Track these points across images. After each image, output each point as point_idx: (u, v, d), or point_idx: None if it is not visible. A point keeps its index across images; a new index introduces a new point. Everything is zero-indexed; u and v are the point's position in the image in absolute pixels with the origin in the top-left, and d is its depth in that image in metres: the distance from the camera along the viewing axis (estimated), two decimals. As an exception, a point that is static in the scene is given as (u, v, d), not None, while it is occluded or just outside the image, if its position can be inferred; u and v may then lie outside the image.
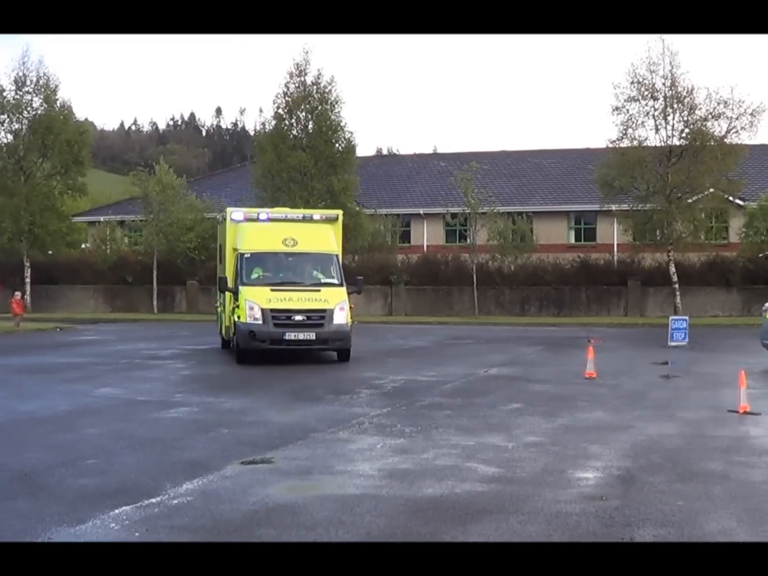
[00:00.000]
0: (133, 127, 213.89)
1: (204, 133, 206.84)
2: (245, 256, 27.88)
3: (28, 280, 56.48)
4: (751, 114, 45.88)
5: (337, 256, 28.84)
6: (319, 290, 27.15)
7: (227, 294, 28.37)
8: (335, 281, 28.02)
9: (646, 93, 47.52)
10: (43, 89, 57.18)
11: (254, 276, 27.63)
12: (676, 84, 47.30)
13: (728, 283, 48.99)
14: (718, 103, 46.51)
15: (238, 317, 26.36)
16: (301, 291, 26.86)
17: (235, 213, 29.94)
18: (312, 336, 26.23)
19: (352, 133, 55.21)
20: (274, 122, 55.36)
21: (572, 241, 62.95)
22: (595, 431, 15.73)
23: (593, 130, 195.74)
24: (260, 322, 25.82)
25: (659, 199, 46.45)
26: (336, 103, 54.36)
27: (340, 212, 31.35)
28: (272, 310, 25.92)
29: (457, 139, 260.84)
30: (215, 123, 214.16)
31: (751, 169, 53.17)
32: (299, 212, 31.87)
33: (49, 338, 38.67)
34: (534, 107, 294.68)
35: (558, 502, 11.09)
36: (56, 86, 57.64)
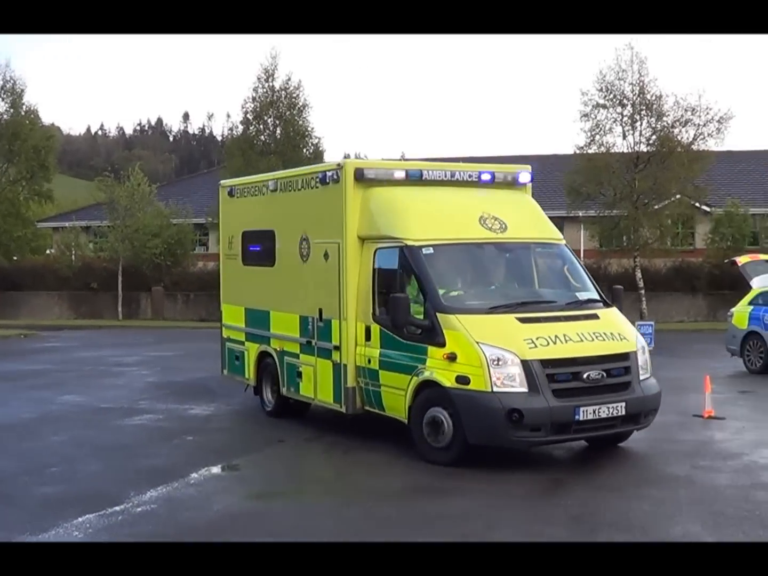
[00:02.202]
0: (100, 132, 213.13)
1: (171, 139, 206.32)
2: (423, 251, 14.53)
3: (-9, 286, 56.12)
4: (718, 121, 46.15)
5: (568, 246, 16.32)
6: (596, 315, 14.62)
7: (348, 325, 15.30)
8: (594, 295, 15.47)
9: (614, 100, 47.70)
10: (9, 93, 56.76)
11: (455, 292, 14.77)
12: (645, 91, 47.46)
13: (694, 288, 49.13)
14: (686, 110, 46.70)
15: (461, 380, 13.31)
16: (567, 320, 14.21)
17: (364, 170, 15.47)
18: (620, 409, 13.59)
19: (319, 138, 55.17)
20: (241, 127, 55.32)
21: (539, 247, 63.06)
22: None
23: (560, 135, 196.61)
24: (524, 388, 13.12)
25: (626, 206, 46.52)
26: (304, 108, 54.30)
27: (528, 169, 17.00)
28: (545, 363, 13.28)
29: (424, 145, 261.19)
30: (182, 128, 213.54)
31: (717, 175, 53.26)
32: (472, 168, 16.49)
33: (12, 345, 38.33)
34: (502, 113, 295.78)
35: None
36: (22, 90, 57.24)
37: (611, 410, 13.46)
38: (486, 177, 16.23)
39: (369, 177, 15.37)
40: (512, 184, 16.59)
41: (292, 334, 16.87)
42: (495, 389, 13.02)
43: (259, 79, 54.37)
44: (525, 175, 16.63)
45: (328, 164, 16.21)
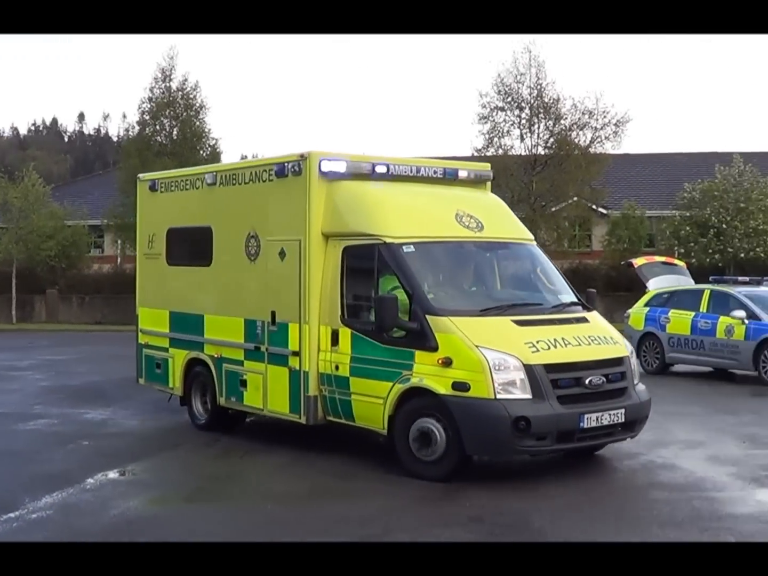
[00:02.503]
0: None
1: (66, 139, 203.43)
2: (404, 249, 13.52)
3: None
4: (615, 124, 46.80)
5: (539, 247, 15.83)
6: (585, 319, 14.05)
7: (311, 329, 14.09)
8: (573, 298, 14.71)
9: (512, 103, 48.02)
10: None
11: (441, 292, 13.77)
12: (543, 94, 47.89)
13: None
14: (583, 114, 47.27)
15: (459, 387, 12.30)
16: (561, 323, 13.59)
17: (330, 161, 14.27)
18: (620, 416, 13.03)
19: (217, 140, 54.83)
20: (138, 128, 54.75)
21: (438, 249, 63.20)
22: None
23: (458, 138, 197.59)
24: (527, 395, 12.31)
25: (523, 208, 46.74)
26: (201, 109, 53.93)
27: (488, 167, 16.59)
28: (548, 368, 12.50)
29: (323, 146, 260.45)
30: (78, 128, 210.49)
31: (614, 178, 53.93)
32: (437, 165, 15.67)
33: None
34: (406, 113, 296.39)
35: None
36: None
37: (612, 417, 12.84)
38: (450, 174, 15.28)
39: (337, 170, 14.22)
40: (475, 182, 15.82)
41: (235, 340, 15.45)
42: (498, 396, 12.08)
43: (155, 79, 53.88)
44: (487, 173, 16.04)
45: (287, 155, 14.99)
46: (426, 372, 12.60)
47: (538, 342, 12.59)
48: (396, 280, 13.44)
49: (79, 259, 54.30)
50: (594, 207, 50.71)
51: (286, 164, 14.56)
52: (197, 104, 53.97)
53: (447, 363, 12.37)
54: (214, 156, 54.00)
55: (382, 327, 12.96)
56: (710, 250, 44.86)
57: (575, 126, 47.53)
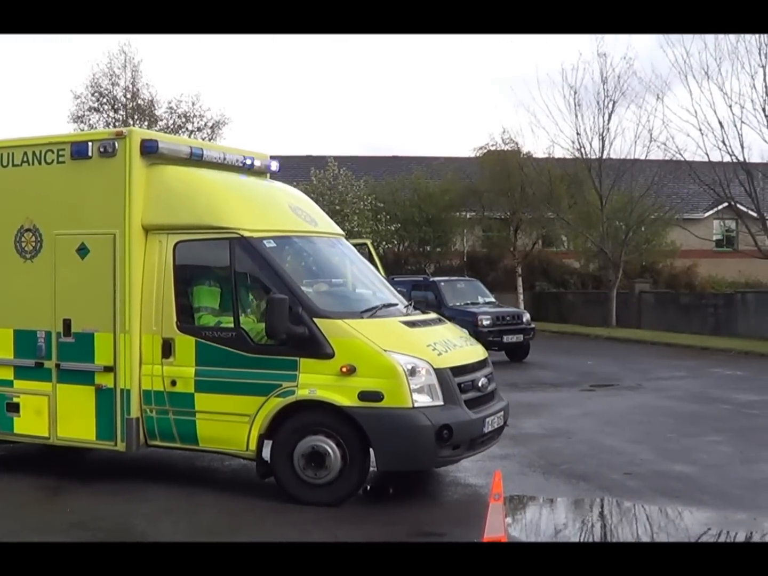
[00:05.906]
0: None
1: None
2: (266, 244, 11.89)
3: None
4: (212, 128, 47.19)
5: None
6: (443, 320, 13.30)
7: (132, 339, 11.97)
8: (404, 299, 13.62)
9: (106, 104, 47.49)
10: None
11: (312, 292, 12.11)
12: (138, 96, 47.64)
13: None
14: (179, 117, 47.36)
15: (369, 396, 10.98)
16: (436, 324, 12.77)
17: (155, 142, 12.16)
18: (501, 419, 12.43)
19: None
20: None
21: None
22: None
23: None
24: (440, 402, 11.30)
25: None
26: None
27: (267, 156, 14.59)
28: (454, 371, 11.59)
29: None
30: None
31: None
32: (236, 152, 13.84)
33: None
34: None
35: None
36: None
37: (498, 420, 12.15)
38: (249, 163, 13.60)
39: (163, 152, 12.17)
40: (264, 172, 14.26)
41: None
42: (416, 404, 10.96)
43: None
44: (275, 163, 14.32)
45: (88, 133, 12.29)
46: (318, 382, 11.14)
47: (436, 344, 11.68)
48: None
49: None
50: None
51: (89, 143, 12.28)
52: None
53: (351, 371, 11.04)
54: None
55: (275, 332, 11.15)
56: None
57: (170, 130, 47.62)
